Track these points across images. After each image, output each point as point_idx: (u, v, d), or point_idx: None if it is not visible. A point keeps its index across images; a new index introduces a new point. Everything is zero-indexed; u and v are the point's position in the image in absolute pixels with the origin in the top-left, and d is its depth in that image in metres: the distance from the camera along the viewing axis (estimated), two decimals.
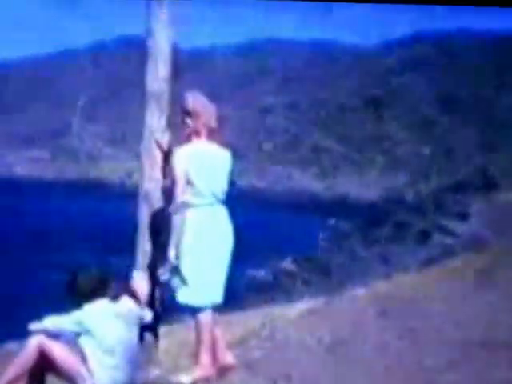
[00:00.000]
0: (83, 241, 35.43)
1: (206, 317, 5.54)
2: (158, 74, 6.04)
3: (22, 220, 43.63)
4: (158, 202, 5.89)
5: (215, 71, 79.88)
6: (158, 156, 5.92)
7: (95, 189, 62.19)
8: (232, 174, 5.85)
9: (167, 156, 5.93)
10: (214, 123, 5.71)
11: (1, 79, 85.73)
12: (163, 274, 5.53)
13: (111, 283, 5.57)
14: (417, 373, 5.33)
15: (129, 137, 68.64)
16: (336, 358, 5.74)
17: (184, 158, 5.61)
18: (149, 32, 6.11)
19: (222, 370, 5.62)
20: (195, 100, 5.72)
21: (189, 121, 5.70)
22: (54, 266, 25.70)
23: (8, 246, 34.97)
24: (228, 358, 5.66)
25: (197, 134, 5.70)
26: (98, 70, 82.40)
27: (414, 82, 73.72)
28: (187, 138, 5.72)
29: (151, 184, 5.91)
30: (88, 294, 5.45)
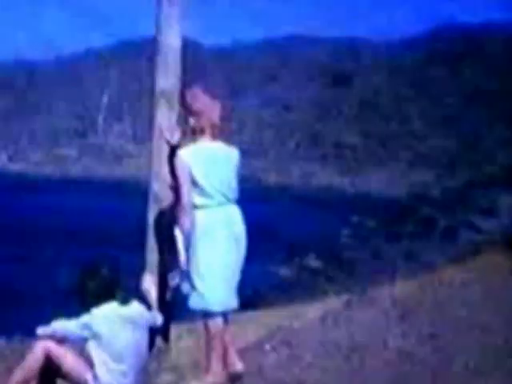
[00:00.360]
0: (107, 239, 35.49)
1: (216, 323, 5.34)
2: (168, 71, 5.86)
3: (49, 217, 43.87)
4: (167, 202, 5.72)
5: (238, 68, 79.80)
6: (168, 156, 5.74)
7: (121, 186, 62.46)
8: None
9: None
10: (217, 120, 5.52)
11: (27, 78, 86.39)
12: (173, 279, 5.34)
13: (120, 285, 5.40)
14: (439, 381, 5.08)
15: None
16: (353, 365, 5.51)
17: (187, 158, 5.42)
18: (158, 28, 5.92)
19: (232, 377, 5.44)
20: (196, 98, 5.53)
21: (192, 119, 5.52)
22: (77, 263, 25.69)
23: (34, 243, 35.15)
24: (238, 365, 5.46)
25: (201, 132, 5.52)
26: (122, 68, 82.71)
27: (439, 77, 73.12)
28: (191, 137, 5.53)
29: (161, 184, 5.74)
30: (96, 296, 5.27)
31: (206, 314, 5.35)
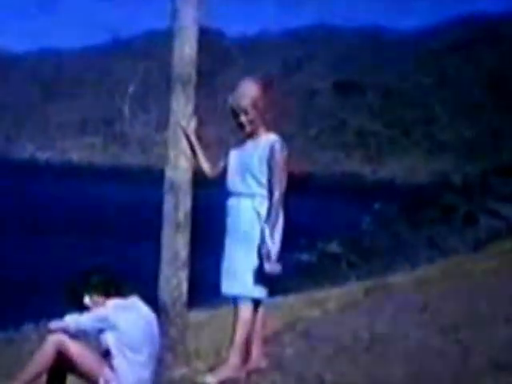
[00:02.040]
0: (130, 228, 35.55)
1: (246, 313, 5.11)
2: (185, 56, 5.73)
3: (76, 205, 44.07)
4: (183, 191, 5.63)
5: (263, 56, 79.60)
6: (184, 144, 5.64)
7: (145, 174, 62.65)
8: None
9: (193, 145, 5.64)
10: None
11: (55, 68, 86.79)
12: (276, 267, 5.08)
13: (125, 286, 5.31)
14: (461, 375, 4.93)
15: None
16: (374, 356, 5.38)
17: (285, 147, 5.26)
18: (174, 12, 5.79)
19: (252, 372, 5.28)
20: (256, 90, 5.28)
21: (254, 113, 5.23)
22: (101, 252, 25.80)
23: (57, 232, 35.25)
24: (261, 362, 5.28)
25: (264, 123, 5.31)
26: (148, 58, 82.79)
27: (460, 66, 72.53)
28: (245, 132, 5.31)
29: (176, 173, 5.64)
30: (103, 290, 5.19)
31: (244, 301, 5.12)
